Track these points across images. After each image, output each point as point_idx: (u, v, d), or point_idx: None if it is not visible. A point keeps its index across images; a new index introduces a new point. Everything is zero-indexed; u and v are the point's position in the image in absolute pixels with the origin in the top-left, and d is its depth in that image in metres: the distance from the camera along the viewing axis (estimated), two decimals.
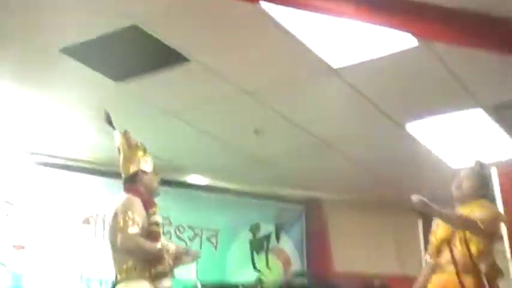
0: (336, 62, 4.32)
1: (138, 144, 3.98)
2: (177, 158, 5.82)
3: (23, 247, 5.11)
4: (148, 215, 3.70)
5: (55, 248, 5.26)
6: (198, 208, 6.23)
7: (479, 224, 3.58)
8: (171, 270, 3.69)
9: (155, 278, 3.58)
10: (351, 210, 6.76)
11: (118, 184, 5.58)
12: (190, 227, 6.14)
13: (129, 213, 3.59)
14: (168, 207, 5.49)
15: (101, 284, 5.40)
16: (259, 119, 5.18)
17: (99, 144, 5.41)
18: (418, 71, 4.47)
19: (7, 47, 4.03)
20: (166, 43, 4.04)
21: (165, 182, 5.72)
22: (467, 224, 3.61)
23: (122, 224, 3.55)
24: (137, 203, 3.70)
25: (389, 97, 4.89)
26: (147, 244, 3.62)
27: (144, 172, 3.87)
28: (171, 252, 3.70)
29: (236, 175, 6.26)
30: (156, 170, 3.94)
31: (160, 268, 3.61)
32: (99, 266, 5.37)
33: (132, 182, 3.84)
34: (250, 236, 6.59)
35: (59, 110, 4.87)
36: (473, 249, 3.60)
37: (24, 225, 5.18)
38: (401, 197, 6.82)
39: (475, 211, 3.71)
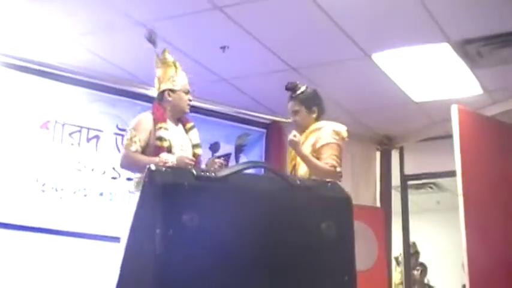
0: None
1: (173, 62, 4.15)
2: (139, 69, 5.74)
3: None
4: (155, 130, 3.89)
5: (12, 151, 5.20)
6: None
7: (337, 169, 3.75)
8: None
9: None
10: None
11: (80, 91, 5.63)
12: None
13: (133, 131, 3.89)
14: (127, 119, 5.45)
15: (56, 190, 5.39)
16: (228, 36, 5.12)
17: (65, 48, 5.33)
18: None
19: None
20: None
21: (127, 94, 5.79)
22: (326, 175, 3.66)
23: (125, 142, 3.92)
24: (146, 120, 3.95)
25: (359, 24, 4.87)
26: (144, 158, 3.80)
27: (172, 91, 4.04)
28: (171, 163, 3.78)
29: (200, 92, 6.21)
30: (186, 89, 4.10)
31: None
32: (55, 171, 5.38)
33: (159, 100, 4.08)
34: (209, 155, 6.59)
35: (23, 11, 4.74)
36: None
37: None
38: (362, 127, 6.98)
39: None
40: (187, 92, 4.12)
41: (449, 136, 5.04)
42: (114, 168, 5.63)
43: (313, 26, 4.89)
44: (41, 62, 5.40)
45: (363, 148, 7.27)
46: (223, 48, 5.29)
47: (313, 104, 4.09)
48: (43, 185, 5.32)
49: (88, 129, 5.64)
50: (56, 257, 5.35)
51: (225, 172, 1.71)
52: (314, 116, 4.07)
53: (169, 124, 4.00)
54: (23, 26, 4.95)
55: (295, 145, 3.85)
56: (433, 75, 5.67)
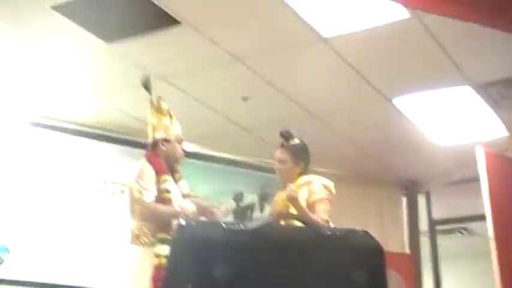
0: (327, 31, 4.30)
1: (167, 111, 4.07)
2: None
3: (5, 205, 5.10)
4: (159, 182, 3.80)
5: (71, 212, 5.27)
6: (183, 175, 6.21)
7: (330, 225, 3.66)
8: None
9: (160, 242, 3.67)
10: (335, 183, 6.74)
11: (105, 147, 5.69)
12: None
13: (141, 182, 3.74)
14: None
15: (79, 245, 5.41)
16: (248, 86, 5.16)
17: (88, 105, 5.40)
18: (408, 44, 4.47)
19: None
20: (158, 4, 4.00)
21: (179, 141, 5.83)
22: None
23: (136, 195, 3.72)
24: (148, 170, 3.83)
25: (379, 70, 4.88)
26: (165, 208, 3.75)
27: (166, 140, 3.97)
28: (191, 212, 3.78)
29: (222, 143, 6.25)
30: (180, 138, 4.03)
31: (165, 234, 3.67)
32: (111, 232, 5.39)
33: (152, 149, 3.98)
34: (233, 205, 6.58)
35: (49, 69, 4.83)
36: None
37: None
38: (386, 172, 6.93)
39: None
40: (180, 142, 4.06)
41: (477, 179, 4.96)
42: None
43: (332, 73, 4.91)
44: (67, 120, 5.50)
45: (388, 193, 7.20)
46: (244, 98, 5.32)
47: (301, 159, 3.99)
48: (66, 238, 5.36)
49: (114, 184, 5.67)
50: None
51: (254, 224, 1.70)
52: (298, 170, 4.00)
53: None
54: (45, 85, 5.04)
55: (294, 200, 3.78)
56: (456, 118, 5.64)
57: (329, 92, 5.27)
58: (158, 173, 3.85)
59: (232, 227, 1.66)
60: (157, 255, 3.64)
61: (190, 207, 3.83)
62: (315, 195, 3.84)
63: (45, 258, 5.19)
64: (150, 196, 3.72)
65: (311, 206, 3.80)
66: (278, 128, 5.88)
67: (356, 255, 1.73)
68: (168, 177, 3.89)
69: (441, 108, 5.46)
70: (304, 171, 4.02)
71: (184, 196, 4.03)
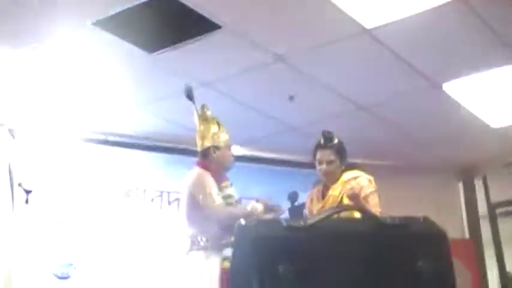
0: (369, 22, 4.26)
1: (213, 118, 4.15)
2: None
3: (69, 221, 5.22)
4: (220, 189, 3.90)
5: (98, 222, 5.35)
6: (237, 178, 6.21)
7: None
8: None
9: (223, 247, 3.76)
10: (388, 175, 6.68)
11: (156, 157, 5.77)
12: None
13: (207, 189, 3.83)
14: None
15: (140, 257, 5.49)
16: (293, 85, 5.15)
17: (136, 117, 5.48)
18: (453, 27, 4.39)
19: (38, 23, 4.06)
20: (197, 10, 4.03)
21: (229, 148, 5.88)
22: None
23: (207, 201, 3.80)
24: (209, 178, 3.92)
25: (425, 56, 4.81)
26: (238, 210, 3.89)
27: (217, 147, 4.04)
28: (260, 211, 3.85)
29: (272, 144, 6.27)
30: (229, 145, 4.11)
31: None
32: (139, 238, 5.49)
33: (204, 157, 4.06)
34: (288, 204, 6.58)
35: (93, 85, 4.91)
36: None
37: (68, 201, 5.27)
38: (440, 159, 6.84)
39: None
40: (230, 148, 4.13)
41: None
42: None
43: (378, 63, 4.86)
44: (117, 133, 5.59)
45: (444, 180, 7.12)
46: (291, 98, 5.32)
47: (344, 157, 4.07)
48: (128, 252, 5.43)
49: (168, 193, 5.75)
50: None
51: (313, 219, 1.71)
52: (342, 168, 4.04)
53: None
54: (93, 100, 5.13)
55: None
56: (508, 98, 5.52)
57: (377, 84, 5.23)
58: (217, 180, 3.94)
59: (292, 223, 1.67)
60: (226, 258, 3.70)
61: (259, 206, 3.87)
62: (365, 189, 3.89)
63: (109, 272, 5.29)
64: (219, 200, 3.81)
65: (364, 199, 3.83)
66: (328, 125, 5.90)
67: (418, 243, 1.72)
68: (228, 184, 3.95)
69: (492, 90, 5.35)
70: (346, 169, 4.08)
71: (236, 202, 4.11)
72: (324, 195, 4.06)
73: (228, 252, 3.68)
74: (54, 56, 4.45)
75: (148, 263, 5.50)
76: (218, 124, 4.14)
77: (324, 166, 4.01)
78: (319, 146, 4.06)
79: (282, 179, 6.48)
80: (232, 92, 5.19)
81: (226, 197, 3.89)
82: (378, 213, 3.73)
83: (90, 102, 5.15)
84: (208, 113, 4.16)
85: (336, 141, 4.06)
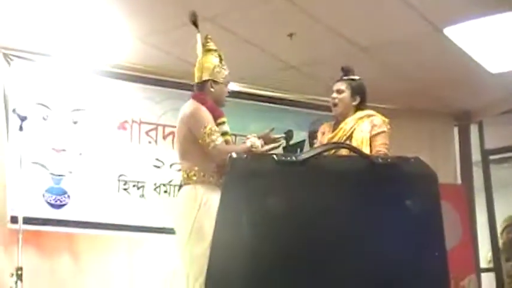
0: None
1: (216, 50, 4.04)
2: None
3: (64, 150, 5.22)
4: (217, 124, 3.82)
5: (93, 151, 5.36)
6: (233, 114, 6.14)
7: None
8: None
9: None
10: (386, 118, 6.69)
11: (155, 91, 5.74)
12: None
13: (206, 126, 3.73)
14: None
15: (137, 188, 5.53)
16: (294, 22, 5.09)
17: (135, 49, 5.43)
18: None
19: None
20: None
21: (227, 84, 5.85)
22: None
23: (207, 140, 3.70)
24: (206, 113, 3.82)
25: None
26: (238, 147, 3.86)
27: (215, 82, 3.95)
28: (260, 145, 3.83)
29: (271, 81, 6.24)
30: (227, 81, 4.02)
31: None
32: (135, 169, 5.51)
33: (200, 90, 3.95)
34: (283, 143, 6.60)
35: (92, 14, 4.85)
36: None
37: (62, 129, 5.27)
38: (438, 104, 6.83)
39: None
40: (227, 84, 4.05)
41: None
42: None
43: (380, 3, 4.80)
44: (111, 64, 5.54)
45: (440, 125, 7.12)
46: (290, 35, 5.27)
47: (358, 93, 4.09)
48: (124, 184, 5.47)
49: (164, 126, 5.75)
50: (139, 254, 5.50)
51: (305, 155, 1.71)
52: (354, 104, 4.06)
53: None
54: (92, 29, 5.06)
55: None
56: (509, 44, 5.48)
57: (378, 25, 5.16)
58: (215, 115, 3.85)
59: (284, 158, 1.68)
60: None
61: (258, 141, 3.84)
62: (377, 128, 3.93)
63: (102, 202, 5.34)
64: (220, 138, 3.73)
65: (373, 137, 3.86)
66: (327, 65, 5.87)
67: (409, 182, 1.74)
68: (224, 119, 3.91)
69: (494, 36, 5.30)
70: (360, 107, 4.07)
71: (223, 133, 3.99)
72: (334, 129, 4.07)
73: None
74: None
75: (141, 194, 5.54)
76: (220, 58, 4.04)
77: (333, 95, 4.05)
78: (336, 80, 4.10)
79: (278, 117, 6.48)
80: (232, 26, 5.12)
81: (224, 134, 3.84)
82: (381, 153, 3.75)
83: (89, 31, 5.08)
84: (211, 43, 4.05)
85: (353, 76, 4.12)
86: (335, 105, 4.06)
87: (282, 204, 1.60)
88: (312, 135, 6.72)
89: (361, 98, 4.10)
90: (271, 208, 1.59)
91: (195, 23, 4.04)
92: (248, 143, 3.78)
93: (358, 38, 5.39)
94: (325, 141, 4.06)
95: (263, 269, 1.58)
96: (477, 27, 5.14)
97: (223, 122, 3.89)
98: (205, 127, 3.73)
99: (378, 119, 4.00)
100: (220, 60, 4.03)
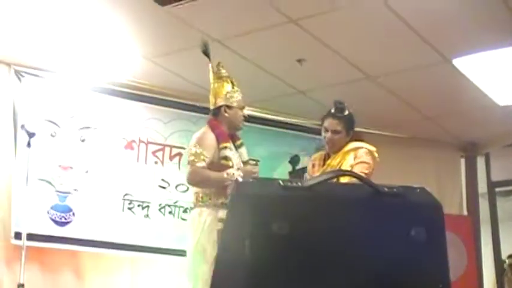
0: None
1: (228, 77, 4.16)
2: None
3: (70, 167, 5.24)
4: (219, 149, 3.89)
5: (100, 169, 5.37)
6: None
7: None
8: None
9: (223, 207, 3.79)
10: (392, 146, 6.70)
11: (163, 111, 5.77)
12: None
13: (198, 147, 3.87)
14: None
15: (142, 208, 5.53)
16: (303, 48, 5.12)
17: (145, 69, 5.46)
18: (468, 2, 4.35)
19: None
20: None
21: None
22: None
23: (191, 158, 3.88)
24: (209, 137, 3.95)
25: (438, 30, 4.77)
26: (212, 174, 3.87)
27: (228, 107, 4.05)
28: (238, 178, 3.81)
29: (278, 106, 6.26)
30: (241, 105, 4.11)
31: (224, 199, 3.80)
32: (140, 189, 5.52)
33: (214, 115, 4.09)
34: (289, 168, 6.61)
35: (103, 34, 4.89)
36: None
37: (70, 147, 5.29)
38: (445, 134, 6.83)
39: None
40: (242, 108, 4.13)
41: None
42: None
43: (389, 33, 4.83)
44: (121, 83, 5.57)
45: (446, 155, 7.11)
46: (299, 61, 5.30)
47: (351, 129, 4.15)
48: (130, 203, 5.47)
49: (171, 147, 5.76)
50: (142, 274, 5.48)
51: (312, 181, 1.72)
52: (347, 139, 4.12)
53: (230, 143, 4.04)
54: (102, 49, 5.10)
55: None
56: None
57: (386, 53, 5.19)
58: (219, 140, 3.94)
59: (289, 184, 1.68)
60: (221, 220, 3.72)
61: (237, 173, 3.89)
62: (357, 159, 3.99)
63: (107, 220, 5.34)
64: (201, 163, 3.84)
65: (352, 168, 3.88)
66: (335, 91, 5.89)
67: (414, 212, 1.74)
68: (229, 145, 3.98)
69: (502, 68, 5.32)
70: (350, 140, 4.11)
71: (244, 163, 4.13)
72: (324, 163, 4.10)
73: (223, 213, 3.69)
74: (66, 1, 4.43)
75: (146, 214, 5.54)
76: (232, 83, 4.15)
77: (328, 134, 4.05)
78: (329, 115, 4.10)
79: (284, 142, 6.50)
80: (242, 50, 5.16)
81: (222, 158, 3.91)
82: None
83: (99, 51, 5.12)
84: (223, 71, 4.17)
85: (346, 112, 4.11)
86: (332, 145, 4.07)
87: (285, 228, 1.60)
88: None
89: (353, 131, 4.17)
90: (274, 232, 1.59)
91: (206, 53, 4.12)
92: (225, 174, 3.83)
93: (367, 65, 5.42)
94: (315, 174, 4.07)
95: None
96: (486, 59, 5.16)
97: (226, 147, 3.95)
98: (194, 147, 3.89)
99: (362, 151, 4.03)
100: (233, 85, 4.14)
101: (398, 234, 1.73)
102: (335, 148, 4.08)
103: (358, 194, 1.76)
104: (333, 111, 4.09)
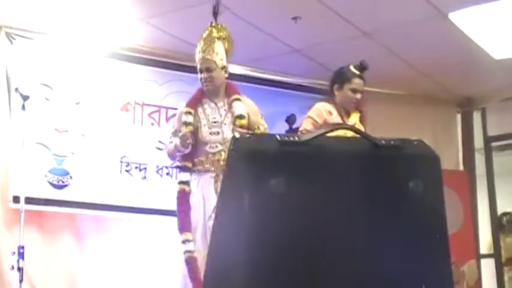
0: None
1: (225, 38, 4.27)
2: None
3: (66, 131, 5.23)
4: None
5: (96, 132, 5.36)
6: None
7: None
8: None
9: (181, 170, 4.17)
10: (389, 103, 6.70)
11: (158, 73, 5.73)
12: None
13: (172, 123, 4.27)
14: None
15: (140, 170, 5.53)
16: (298, 6, 5.07)
17: (139, 31, 5.41)
18: None
19: None
20: None
21: (201, 71, 5.82)
22: None
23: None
24: (182, 109, 4.15)
25: None
26: (169, 145, 4.15)
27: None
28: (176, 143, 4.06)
29: (274, 65, 6.22)
30: (199, 66, 4.19)
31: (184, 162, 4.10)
32: (137, 151, 5.52)
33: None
34: (286, 127, 6.59)
35: None
36: None
37: (65, 110, 5.27)
38: (441, 89, 6.81)
39: None
40: (201, 70, 4.23)
41: None
42: None
43: None
44: (115, 45, 5.52)
45: (443, 111, 7.11)
46: (294, 18, 5.25)
47: None
48: (127, 165, 5.47)
49: (166, 108, 5.74)
50: (141, 236, 5.51)
51: (308, 136, 1.70)
52: None
53: (205, 103, 4.14)
54: (96, 10, 5.04)
55: None
56: None
57: (382, 9, 5.14)
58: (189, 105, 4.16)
59: (286, 138, 1.67)
60: (180, 182, 4.02)
61: (175, 141, 4.06)
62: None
63: (104, 183, 5.34)
64: (170, 137, 4.16)
65: None
66: (331, 49, 5.86)
67: (411, 164, 1.73)
68: (188, 109, 4.07)
69: (499, 21, 5.28)
70: None
71: (237, 117, 4.13)
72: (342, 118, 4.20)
73: (181, 176, 4.03)
74: None
75: (143, 176, 5.55)
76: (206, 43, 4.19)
77: (358, 95, 4.09)
78: (356, 75, 4.10)
79: (281, 101, 6.47)
80: (236, 9, 5.10)
81: (183, 124, 4.08)
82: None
83: (93, 12, 5.06)
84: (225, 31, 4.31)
85: None
86: (357, 104, 4.16)
87: (283, 184, 1.59)
88: None
89: None
90: (272, 187, 1.59)
91: (216, 14, 4.27)
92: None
93: (362, 22, 5.37)
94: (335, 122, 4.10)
95: (264, 247, 1.58)
96: (482, 13, 5.12)
97: (186, 113, 4.10)
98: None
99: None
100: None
101: (396, 187, 1.73)
102: (352, 108, 4.24)
103: (355, 147, 1.75)
104: (357, 71, 4.10)
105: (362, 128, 4.06)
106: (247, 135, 1.68)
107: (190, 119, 4.05)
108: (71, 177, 5.19)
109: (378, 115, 6.11)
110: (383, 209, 1.70)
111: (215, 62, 4.13)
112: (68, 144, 5.22)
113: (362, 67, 4.13)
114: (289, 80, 6.44)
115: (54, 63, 5.30)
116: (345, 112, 4.20)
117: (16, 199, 4.78)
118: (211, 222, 3.48)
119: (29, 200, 4.74)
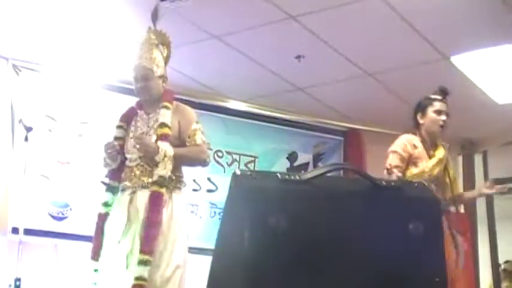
0: None
1: (164, 44, 3.83)
2: (217, 83, 5.83)
3: (68, 162, 5.23)
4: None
5: (97, 165, 5.34)
6: (237, 134, 6.26)
7: None
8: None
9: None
10: (389, 143, 6.69)
11: None
12: (228, 153, 6.19)
13: None
14: (207, 132, 5.51)
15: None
16: (302, 45, 5.12)
17: None
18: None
19: None
20: None
21: (204, 107, 5.85)
22: None
23: None
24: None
25: (436, 27, 4.78)
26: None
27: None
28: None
29: (276, 102, 6.26)
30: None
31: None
32: None
33: None
34: (287, 164, 6.61)
35: (100, 29, 4.89)
36: None
37: (68, 142, 5.28)
38: (443, 132, 6.81)
39: None
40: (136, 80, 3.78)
41: None
42: (194, 180, 5.73)
43: (388, 30, 4.83)
44: (117, 78, 5.56)
45: None
46: (298, 57, 5.29)
47: None
48: None
49: None
50: None
51: (309, 175, 1.71)
52: None
53: (140, 115, 3.74)
54: (99, 43, 5.09)
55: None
56: None
57: (385, 50, 5.20)
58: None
59: (287, 177, 1.68)
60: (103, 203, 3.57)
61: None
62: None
63: None
64: None
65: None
66: (333, 88, 5.90)
67: (412, 206, 1.73)
68: (120, 123, 3.79)
69: (500, 66, 5.32)
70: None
71: (159, 126, 3.59)
72: (427, 148, 4.14)
73: (103, 196, 3.59)
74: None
75: None
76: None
77: (444, 117, 4.03)
78: (438, 98, 4.07)
79: (282, 139, 6.50)
80: (241, 46, 5.16)
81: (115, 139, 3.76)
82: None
83: (97, 45, 5.12)
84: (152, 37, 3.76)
85: None
86: (443, 127, 4.04)
87: (283, 221, 1.60)
88: (317, 158, 6.74)
89: None
90: (272, 225, 1.59)
91: (154, 19, 3.78)
92: None
93: (365, 62, 5.42)
94: (422, 157, 4.04)
95: (263, 283, 1.57)
96: (485, 57, 5.16)
97: (117, 127, 3.77)
98: None
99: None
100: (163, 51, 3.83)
101: (396, 228, 1.73)
102: (443, 132, 4.15)
103: (356, 187, 1.76)
104: (440, 95, 4.07)
105: (450, 161, 4.08)
106: (248, 173, 1.69)
107: (120, 133, 3.71)
108: (70, 209, 5.18)
109: (379, 155, 6.08)
110: (383, 250, 1.70)
111: (152, 70, 3.63)
112: (69, 176, 5.22)
113: (442, 90, 4.10)
114: (291, 117, 6.47)
115: (59, 95, 5.34)
116: (431, 144, 4.12)
117: (15, 230, 4.76)
118: (121, 247, 3.30)
119: (27, 232, 4.72)
